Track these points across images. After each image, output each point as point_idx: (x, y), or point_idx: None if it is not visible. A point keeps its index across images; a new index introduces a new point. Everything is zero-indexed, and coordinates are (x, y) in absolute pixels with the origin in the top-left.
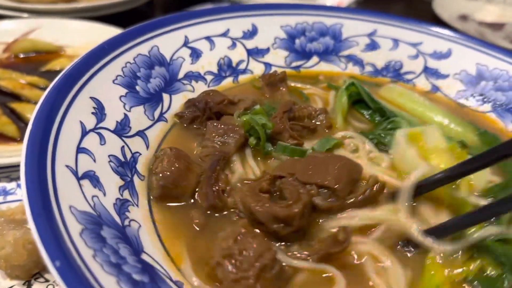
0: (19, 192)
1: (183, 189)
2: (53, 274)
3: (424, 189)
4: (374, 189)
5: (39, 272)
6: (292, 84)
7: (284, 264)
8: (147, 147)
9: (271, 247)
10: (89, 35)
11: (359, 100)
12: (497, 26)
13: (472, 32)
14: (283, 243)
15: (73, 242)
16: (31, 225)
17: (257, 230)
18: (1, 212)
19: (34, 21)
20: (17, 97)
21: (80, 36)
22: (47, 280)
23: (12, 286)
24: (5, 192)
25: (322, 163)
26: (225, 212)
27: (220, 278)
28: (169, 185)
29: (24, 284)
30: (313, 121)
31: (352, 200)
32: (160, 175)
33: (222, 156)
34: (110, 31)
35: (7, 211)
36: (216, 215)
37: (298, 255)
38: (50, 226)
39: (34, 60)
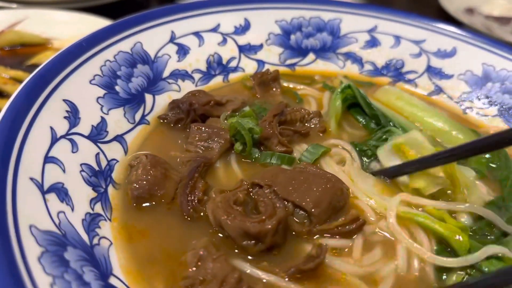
0: None
1: (160, 198)
2: None
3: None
4: (354, 226)
5: None
6: (285, 84)
7: (255, 277)
8: (126, 153)
9: (234, 268)
10: (78, 27)
11: (355, 103)
12: (504, 20)
13: (478, 26)
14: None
15: (29, 270)
16: None
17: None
18: None
19: (21, 12)
20: None
21: (68, 28)
22: None
23: None
24: None
25: (307, 181)
26: (202, 214)
27: None
28: (144, 195)
29: None
30: (306, 124)
31: (326, 228)
32: (135, 184)
33: (203, 162)
34: (100, 23)
35: None
36: (191, 221)
37: (269, 269)
38: (1, 252)
39: (20, 53)
